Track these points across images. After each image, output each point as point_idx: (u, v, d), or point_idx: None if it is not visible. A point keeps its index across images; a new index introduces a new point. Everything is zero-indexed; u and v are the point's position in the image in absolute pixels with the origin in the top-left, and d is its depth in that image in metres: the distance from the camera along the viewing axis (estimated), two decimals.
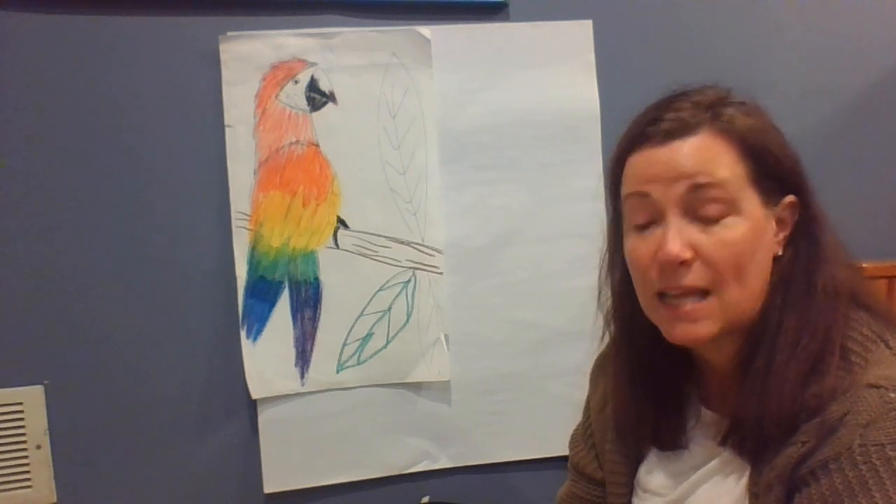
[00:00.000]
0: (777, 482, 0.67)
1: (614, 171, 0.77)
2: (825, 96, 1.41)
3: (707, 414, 0.79)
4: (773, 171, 0.72)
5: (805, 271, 0.72)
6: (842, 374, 0.68)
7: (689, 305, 0.70)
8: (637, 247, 0.73)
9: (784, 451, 0.68)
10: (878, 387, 0.65)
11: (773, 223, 0.72)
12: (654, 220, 0.72)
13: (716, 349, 0.76)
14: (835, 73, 1.42)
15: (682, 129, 0.70)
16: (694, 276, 0.69)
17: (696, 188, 0.69)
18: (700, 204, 0.69)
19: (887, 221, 1.43)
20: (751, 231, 0.70)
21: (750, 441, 0.71)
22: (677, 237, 0.69)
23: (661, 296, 0.72)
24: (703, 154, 0.69)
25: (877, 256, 1.36)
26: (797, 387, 0.68)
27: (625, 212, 0.75)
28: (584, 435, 0.95)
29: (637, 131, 0.74)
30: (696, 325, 0.71)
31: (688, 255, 0.69)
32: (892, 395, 0.64)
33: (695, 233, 0.69)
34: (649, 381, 0.81)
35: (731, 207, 0.69)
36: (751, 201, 0.70)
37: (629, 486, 0.86)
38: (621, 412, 0.84)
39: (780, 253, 0.73)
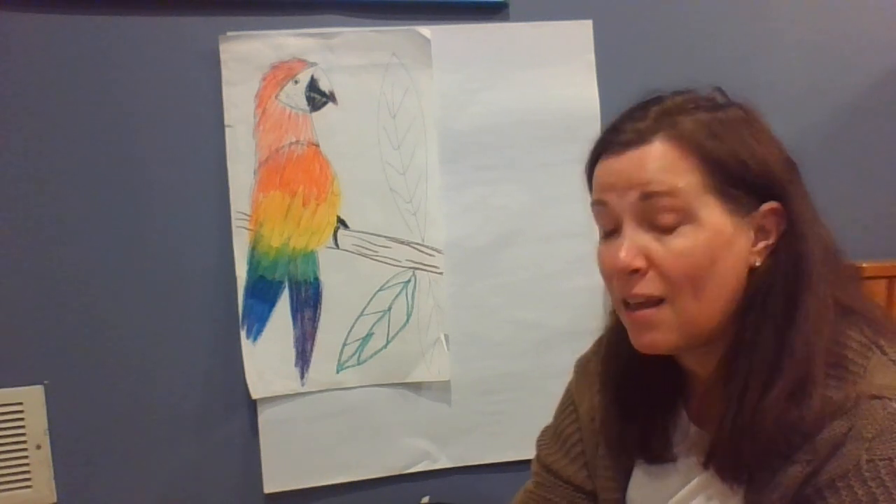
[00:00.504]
0: (780, 503, 0.66)
1: (587, 180, 0.77)
2: (825, 96, 1.41)
3: (693, 430, 0.78)
4: (739, 179, 0.68)
5: (785, 286, 0.69)
6: (842, 387, 0.66)
7: (645, 312, 0.70)
8: (602, 254, 0.73)
9: (787, 469, 0.66)
10: (880, 397, 0.64)
11: (750, 232, 0.69)
12: (616, 228, 0.71)
13: (697, 361, 0.75)
14: (835, 73, 1.42)
15: (637, 139, 0.70)
16: (647, 285, 0.69)
17: (648, 197, 0.68)
18: (653, 213, 0.68)
19: (887, 221, 1.43)
20: (708, 241, 0.67)
21: (729, 466, 0.69)
22: (629, 246, 0.69)
23: (625, 303, 0.72)
24: (654, 163, 0.68)
25: (877, 256, 1.36)
26: (776, 413, 0.66)
27: (595, 220, 0.76)
28: (556, 435, 0.92)
29: (600, 141, 0.74)
30: (653, 333, 0.70)
31: (640, 263, 0.68)
32: (895, 405, 0.63)
33: (650, 242, 0.69)
34: (637, 389, 0.79)
35: (686, 216, 0.68)
36: (711, 210, 0.68)
37: (621, 502, 0.84)
38: (608, 421, 0.83)
39: (757, 264, 0.70)
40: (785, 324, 0.68)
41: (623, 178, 0.70)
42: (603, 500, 0.86)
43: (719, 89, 0.75)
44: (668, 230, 0.68)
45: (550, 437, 0.94)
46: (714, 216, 0.68)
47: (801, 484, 0.65)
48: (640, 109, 0.72)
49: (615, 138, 0.71)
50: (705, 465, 0.73)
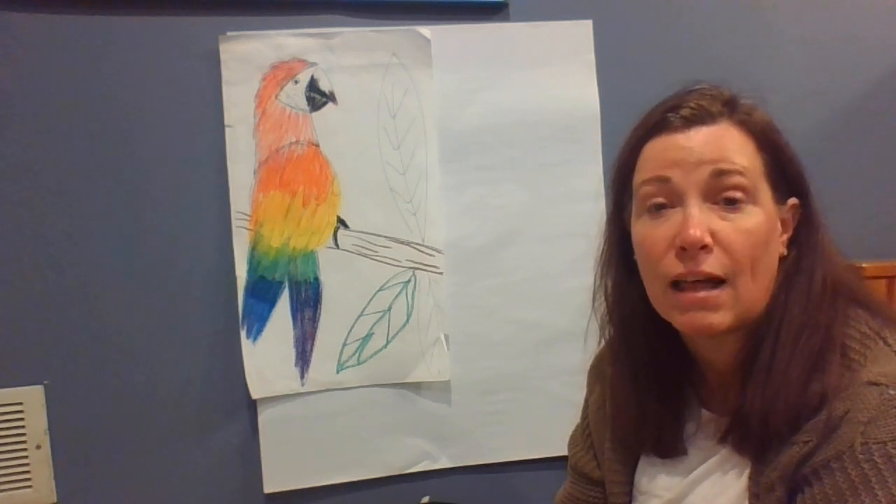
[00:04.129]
0: (779, 482, 0.67)
1: (628, 158, 0.76)
2: (825, 96, 1.41)
3: (706, 415, 0.79)
4: (785, 170, 0.73)
5: (807, 271, 0.73)
6: (842, 372, 0.68)
7: (705, 293, 0.69)
8: (651, 233, 0.72)
9: (786, 450, 0.68)
10: (877, 384, 0.65)
11: (779, 223, 0.73)
12: (672, 205, 0.71)
13: (718, 347, 0.76)
14: (835, 73, 1.42)
15: (703, 117, 0.71)
16: (712, 263, 0.69)
17: (719, 174, 0.69)
18: (720, 190, 0.69)
19: (887, 221, 1.43)
20: (766, 222, 0.70)
21: (752, 438, 0.71)
22: (698, 222, 0.69)
23: (675, 284, 0.71)
24: (724, 142, 0.70)
25: (877, 256, 1.36)
26: (800, 383, 0.68)
27: (638, 199, 0.75)
28: (583, 434, 0.94)
29: (655, 118, 0.74)
30: (712, 315, 0.69)
31: (709, 240, 0.68)
32: (892, 392, 0.64)
33: (714, 219, 0.69)
34: (650, 385, 0.80)
35: (750, 196, 0.70)
36: (765, 195, 0.71)
37: (629, 486, 0.85)
38: (622, 419, 0.84)
39: (784, 254, 0.74)
40: (805, 302, 0.71)
41: (693, 155, 0.70)
42: (610, 483, 0.87)
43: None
44: (732, 208, 0.70)
45: (575, 434, 0.97)
46: (767, 201, 0.71)
47: (798, 464, 0.67)
48: (694, 92, 0.74)
49: (676, 115, 0.72)
50: (722, 441, 0.74)
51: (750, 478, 0.71)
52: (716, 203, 0.70)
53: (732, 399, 0.74)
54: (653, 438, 0.81)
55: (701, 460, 0.77)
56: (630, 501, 0.85)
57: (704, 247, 0.68)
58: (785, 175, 0.73)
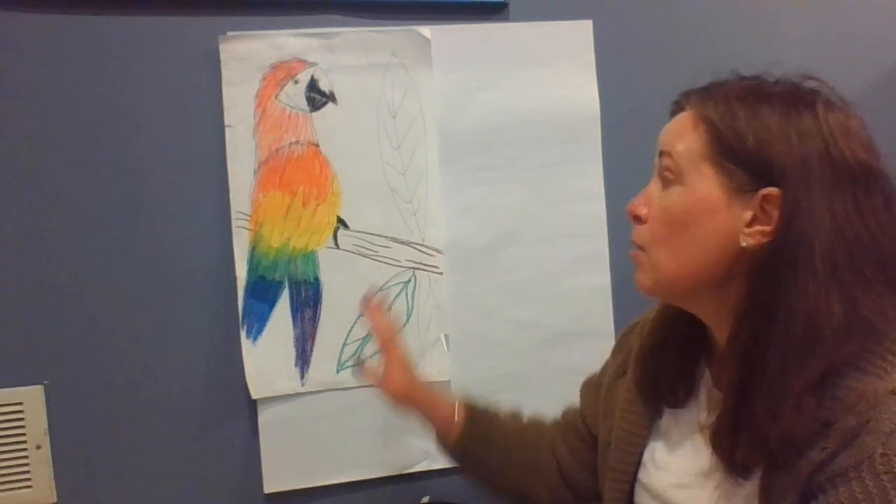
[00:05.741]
0: (791, 488, 0.66)
1: None
2: None
3: (714, 393, 0.80)
4: (736, 155, 0.71)
5: (774, 274, 0.69)
6: (864, 379, 0.65)
7: (635, 252, 0.80)
8: None
9: (802, 456, 0.66)
10: None
11: (748, 212, 0.70)
12: None
13: (718, 326, 0.78)
14: (835, 72, 1.41)
15: (678, 107, 0.80)
16: (637, 233, 0.79)
17: (659, 155, 0.78)
18: (661, 170, 0.77)
19: None
20: (686, 204, 0.74)
21: (765, 452, 0.69)
22: (643, 195, 0.79)
23: None
24: (676, 129, 0.77)
25: None
26: (810, 402, 0.66)
27: None
28: (596, 385, 1.01)
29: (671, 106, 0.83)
30: (638, 273, 0.80)
31: (643, 212, 0.79)
32: None
33: (655, 195, 0.78)
34: (673, 341, 0.85)
35: (678, 178, 0.75)
36: (702, 178, 0.73)
37: (637, 456, 0.87)
38: (644, 367, 0.88)
39: (744, 244, 0.70)
40: (787, 337, 0.67)
41: (661, 140, 0.79)
42: (615, 450, 0.90)
43: (805, 75, 0.87)
44: (664, 187, 0.77)
45: (590, 379, 1.06)
46: (703, 184, 0.73)
47: (814, 470, 0.65)
48: (718, 80, 0.81)
49: (675, 103, 0.81)
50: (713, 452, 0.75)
51: (762, 480, 0.70)
52: (660, 181, 0.78)
53: (728, 376, 0.74)
54: (669, 385, 0.84)
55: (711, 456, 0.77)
56: (636, 470, 0.87)
57: (636, 217, 0.79)
58: (741, 162, 0.70)
